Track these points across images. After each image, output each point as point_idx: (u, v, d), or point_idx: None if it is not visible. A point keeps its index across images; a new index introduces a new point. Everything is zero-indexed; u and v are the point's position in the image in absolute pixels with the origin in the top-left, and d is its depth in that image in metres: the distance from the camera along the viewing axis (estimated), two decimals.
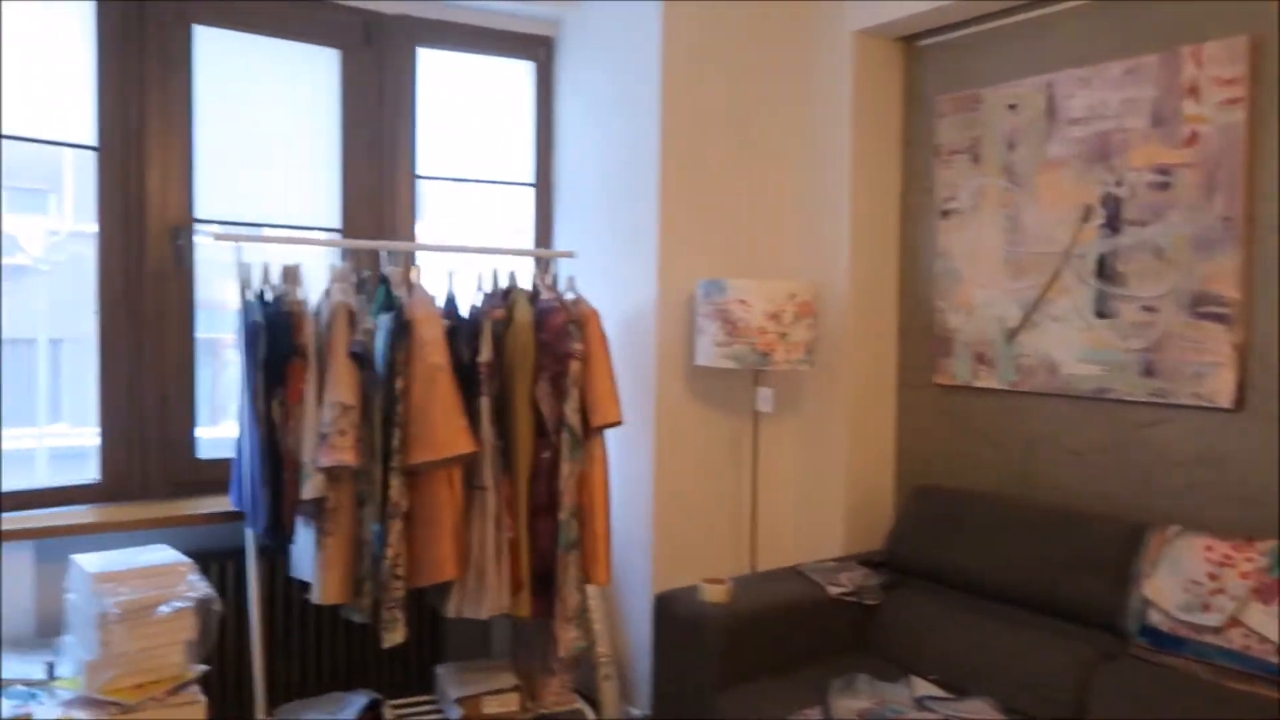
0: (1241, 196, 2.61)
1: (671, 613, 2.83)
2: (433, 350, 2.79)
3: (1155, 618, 2.45)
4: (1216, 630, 2.33)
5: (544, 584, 2.96)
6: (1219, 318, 2.65)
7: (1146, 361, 2.81)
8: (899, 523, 3.14)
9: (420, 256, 3.42)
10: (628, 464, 3.46)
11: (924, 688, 2.65)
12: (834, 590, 2.93)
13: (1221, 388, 2.65)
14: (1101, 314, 2.92)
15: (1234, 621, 2.30)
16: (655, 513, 3.35)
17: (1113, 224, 2.90)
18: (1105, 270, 2.91)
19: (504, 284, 3.11)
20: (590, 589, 3.12)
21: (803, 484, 3.61)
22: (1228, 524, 2.64)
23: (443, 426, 2.74)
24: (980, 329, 3.25)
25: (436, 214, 3.72)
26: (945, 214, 3.37)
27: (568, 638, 2.96)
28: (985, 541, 2.87)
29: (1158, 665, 2.42)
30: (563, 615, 2.95)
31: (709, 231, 3.45)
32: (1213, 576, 2.38)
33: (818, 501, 3.54)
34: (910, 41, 3.51)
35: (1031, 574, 2.73)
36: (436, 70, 3.67)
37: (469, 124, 3.77)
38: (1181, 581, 2.43)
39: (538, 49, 3.84)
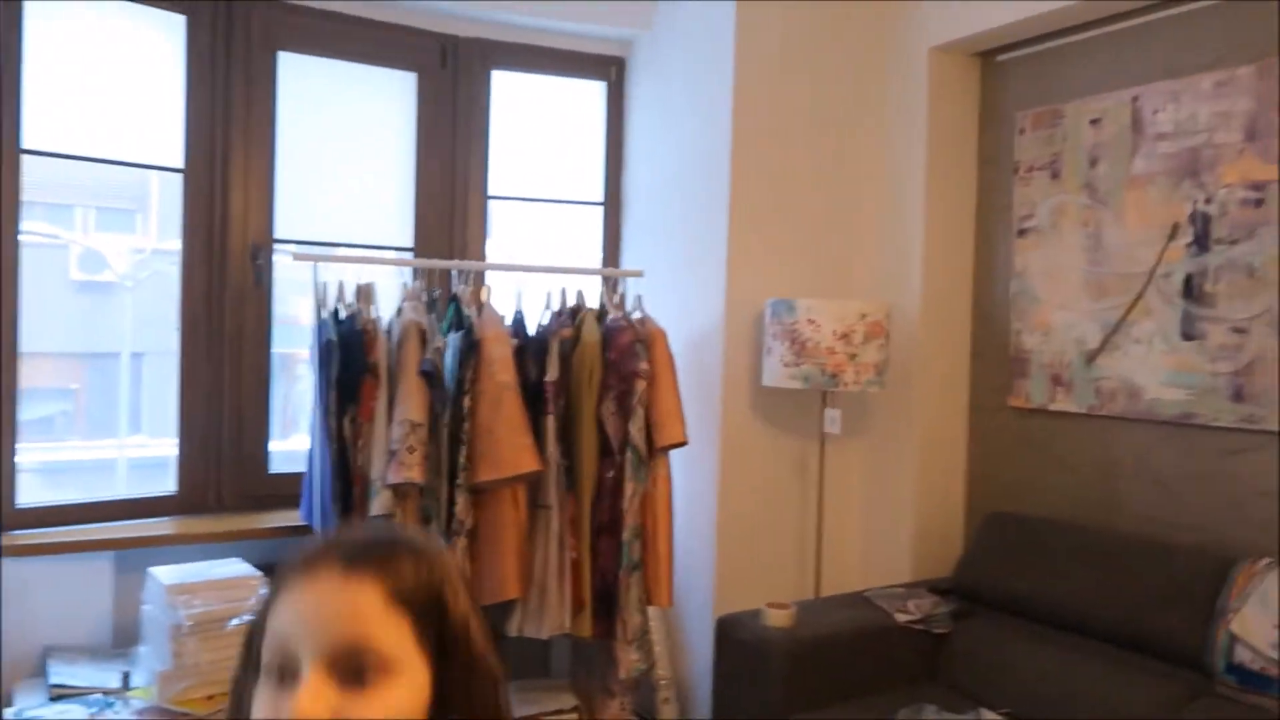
0: None
1: (734, 637, 2.80)
2: (500, 368, 2.81)
3: (1243, 655, 2.32)
4: None
5: (605, 605, 2.95)
6: None
7: (1235, 385, 2.68)
8: (970, 549, 3.05)
9: (490, 276, 3.47)
10: (691, 484, 3.44)
11: None
12: (902, 617, 2.86)
13: None
14: (1188, 336, 2.80)
15: None
16: (718, 534, 3.32)
17: (1201, 242, 2.78)
18: (1192, 290, 2.80)
19: (572, 303, 3.12)
20: (652, 610, 3.10)
21: (870, 508, 3.54)
22: None
23: (508, 445, 2.76)
24: (1057, 351, 3.15)
25: (507, 233, 3.77)
26: (1022, 233, 3.28)
27: (629, 659, 2.95)
28: (1061, 571, 2.76)
29: (1245, 705, 2.30)
30: (624, 637, 2.94)
31: (778, 250, 3.41)
32: None
33: (885, 526, 3.47)
34: (989, 56, 3.43)
35: (1110, 606, 2.62)
36: (510, 91, 3.73)
37: (540, 144, 3.82)
38: (1272, 617, 2.30)
39: (609, 69, 3.87)
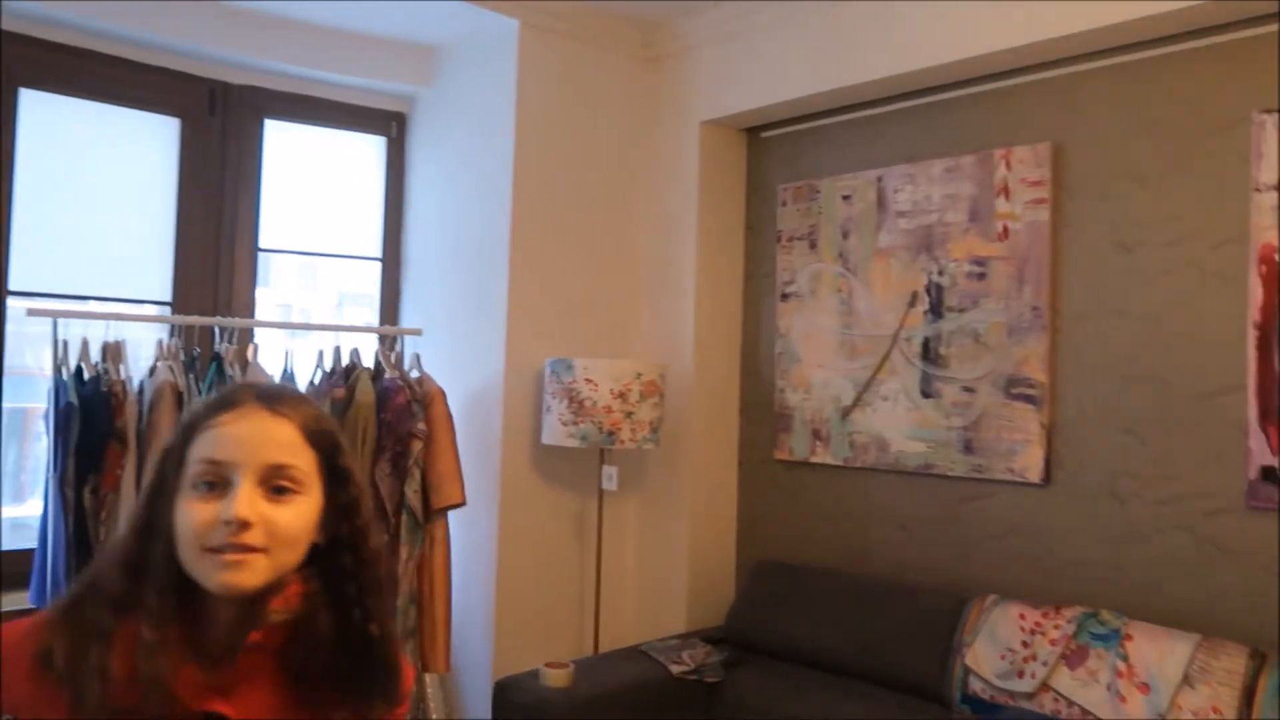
0: (1047, 288, 2.83)
1: (512, 700, 2.77)
2: None
3: (975, 685, 2.55)
4: (1030, 696, 2.45)
5: None
6: (1029, 399, 2.84)
7: (966, 439, 2.98)
8: (739, 598, 3.18)
9: (259, 333, 3.32)
10: (470, 544, 3.40)
11: None
12: (676, 669, 2.94)
13: (1031, 464, 2.82)
14: (926, 394, 3.09)
15: (1045, 687, 2.43)
16: (497, 594, 3.29)
17: (936, 310, 3.08)
18: (929, 353, 3.09)
19: (346, 361, 3.04)
20: (428, 677, 3.03)
21: (646, 562, 3.63)
22: (1039, 592, 2.79)
23: None
24: (817, 407, 3.38)
25: (280, 288, 3.62)
26: (785, 297, 3.51)
27: None
28: (822, 615, 2.94)
29: None
30: None
31: (558, 310, 3.48)
32: (1025, 644, 2.51)
33: (661, 579, 3.56)
34: (754, 132, 3.68)
35: (865, 646, 2.81)
36: (285, 141, 3.61)
37: (318, 196, 3.71)
38: (998, 649, 2.54)
39: (389, 123, 3.84)
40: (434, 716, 3.14)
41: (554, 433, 3.20)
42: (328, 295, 3.76)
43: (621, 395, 3.17)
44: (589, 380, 3.16)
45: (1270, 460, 2.41)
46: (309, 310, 3.71)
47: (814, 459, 3.37)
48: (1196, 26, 2.55)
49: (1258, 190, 2.46)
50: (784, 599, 3.05)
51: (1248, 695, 2.19)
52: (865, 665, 2.80)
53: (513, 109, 3.37)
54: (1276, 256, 2.42)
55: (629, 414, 3.18)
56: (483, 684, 3.30)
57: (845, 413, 3.30)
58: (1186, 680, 2.24)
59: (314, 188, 3.71)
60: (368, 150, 3.84)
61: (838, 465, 3.31)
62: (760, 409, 3.58)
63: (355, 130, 3.78)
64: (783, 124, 3.57)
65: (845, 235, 3.34)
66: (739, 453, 3.65)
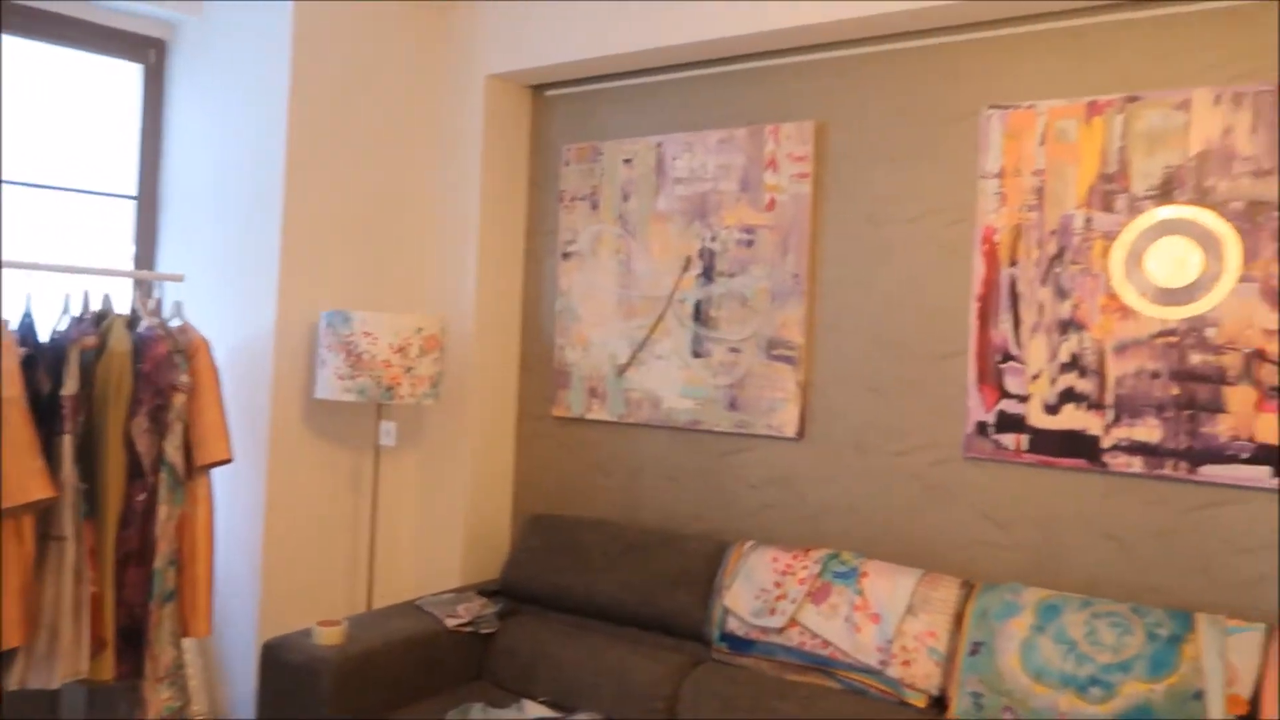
0: (807, 257, 3.05)
1: (281, 660, 2.72)
2: (5, 381, 2.46)
3: (732, 624, 2.76)
4: (779, 630, 2.68)
5: (132, 641, 2.71)
6: (788, 359, 3.07)
7: (732, 397, 3.18)
8: (514, 551, 3.26)
9: None
10: (236, 503, 3.27)
11: (535, 709, 2.77)
12: (451, 622, 2.98)
13: (788, 420, 3.06)
14: (697, 354, 3.26)
15: (793, 622, 2.66)
16: (265, 554, 3.19)
17: (708, 274, 3.25)
18: (701, 315, 3.26)
19: (97, 307, 2.82)
20: (187, 643, 2.90)
21: (424, 518, 3.63)
22: (792, 537, 3.05)
23: (12, 469, 2.43)
24: (594, 365, 3.48)
25: (19, 225, 3.28)
26: (566, 256, 3.58)
27: (159, 699, 2.73)
28: (595, 565, 3.06)
29: (734, 666, 2.73)
30: (154, 674, 2.71)
31: (335, 260, 3.37)
32: (777, 584, 2.74)
33: (438, 534, 3.58)
34: (539, 90, 3.70)
35: (635, 593, 2.96)
36: (25, 61, 3.26)
37: (65, 126, 3.38)
38: (753, 590, 2.76)
39: (148, 51, 3.55)
40: (193, 683, 3.02)
41: (329, 387, 3.12)
42: (75, 234, 3.45)
43: (401, 350, 3.14)
44: (367, 334, 3.10)
45: (984, 416, 2.74)
46: (54, 250, 3.39)
47: (590, 415, 3.48)
48: (943, 24, 2.82)
49: (983, 177, 2.76)
50: (558, 550, 3.16)
51: (957, 620, 2.51)
52: (634, 610, 2.96)
53: (289, 44, 3.21)
54: (995, 237, 2.74)
55: (409, 369, 3.15)
56: (248, 647, 3.21)
57: (621, 371, 3.42)
58: (910, 610, 2.53)
59: (61, 116, 3.37)
60: (125, 78, 3.53)
61: (612, 421, 3.44)
62: (540, 366, 3.65)
63: (108, 55, 3.46)
64: (569, 84, 3.61)
65: (626, 198, 3.44)
66: (518, 409, 3.70)
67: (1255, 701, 2.09)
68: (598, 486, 3.48)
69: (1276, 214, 2.38)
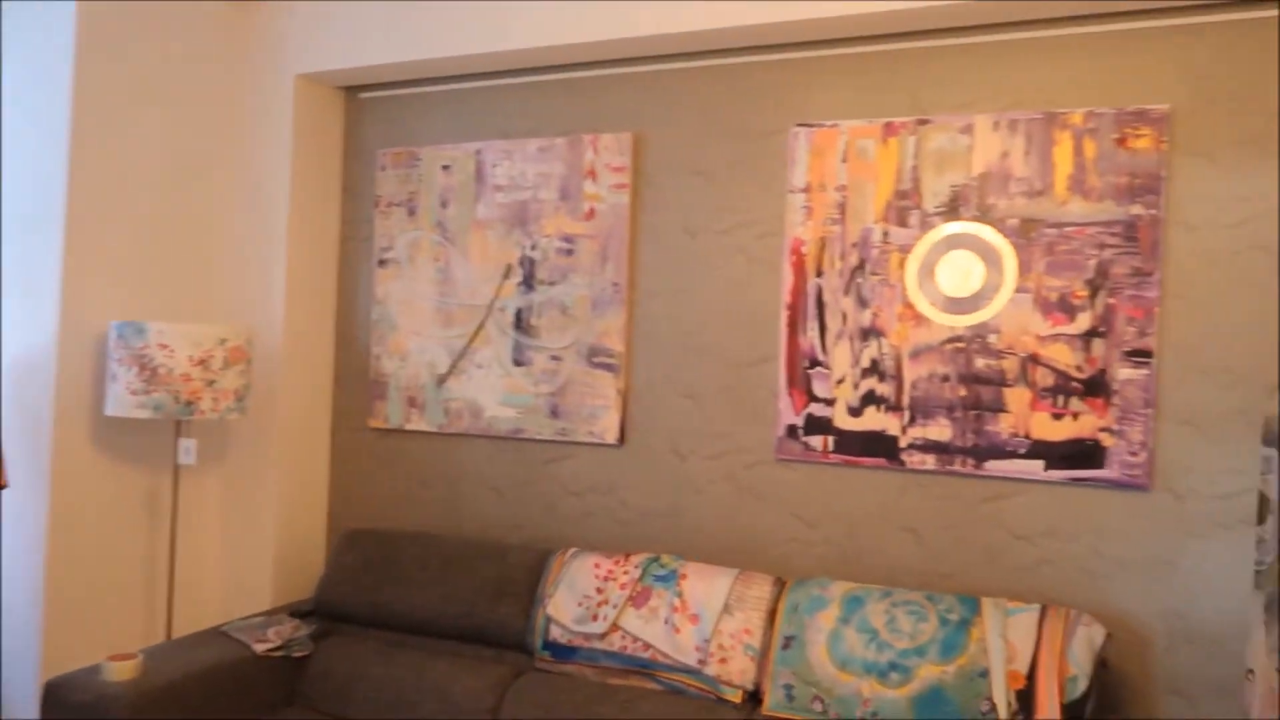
0: (626, 266, 3.10)
1: (66, 701, 2.50)
2: None
3: (555, 632, 2.77)
4: (602, 636, 2.70)
5: None
6: (608, 367, 3.11)
7: (553, 404, 3.18)
8: (329, 569, 3.14)
9: None
10: (14, 533, 2.99)
11: None
12: (260, 647, 2.83)
13: (610, 426, 3.10)
14: (518, 362, 3.24)
15: (615, 627, 2.69)
16: (48, 586, 2.94)
17: (528, 282, 3.24)
18: (521, 323, 3.24)
19: None
20: None
21: (230, 538, 3.43)
22: (614, 543, 3.08)
23: None
24: (413, 375, 3.40)
25: None
26: (382, 263, 3.48)
27: None
28: (414, 580, 2.99)
29: (556, 674, 2.73)
30: None
31: (127, 269, 3.15)
32: (599, 590, 2.76)
33: (246, 555, 3.40)
34: (353, 92, 3.59)
35: (456, 606, 2.91)
36: None
37: None
38: (576, 597, 2.77)
39: None
40: None
41: (121, 403, 2.91)
42: None
43: (202, 362, 2.96)
44: (164, 345, 2.91)
45: (794, 419, 2.86)
46: None
47: (409, 426, 3.40)
48: (752, 44, 2.93)
49: (791, 191, 2.89)
50: (376, 566, 3.06)
51: (771, 616, 2.61)
52: (456, 624, 2.91)
53: (72, 44, 2.97)
54: (803, 248, 2.87)
55: (211, 382, 2.98)
56: (29, 686, 2.93)
57: (441, 380, 3.36)
58: (727, 608, 2.61)
59: None
60: None
61: (432, 432, 3.38)
62: (355, 376, 3.53)
63: None
64: (384, 86, 3.52)
65: (444, 205, 3.39)
66: (332, 421, 3.57)
67: (1032, 675, 2.28)
68: (417, 499, 3.40)
69: (1046, 230, 2.62)
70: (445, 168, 3.40)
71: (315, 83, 3.48)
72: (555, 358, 3.19)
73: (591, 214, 3.16)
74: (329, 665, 2.89)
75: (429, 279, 3.40)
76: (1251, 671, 1.93)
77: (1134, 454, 2.51)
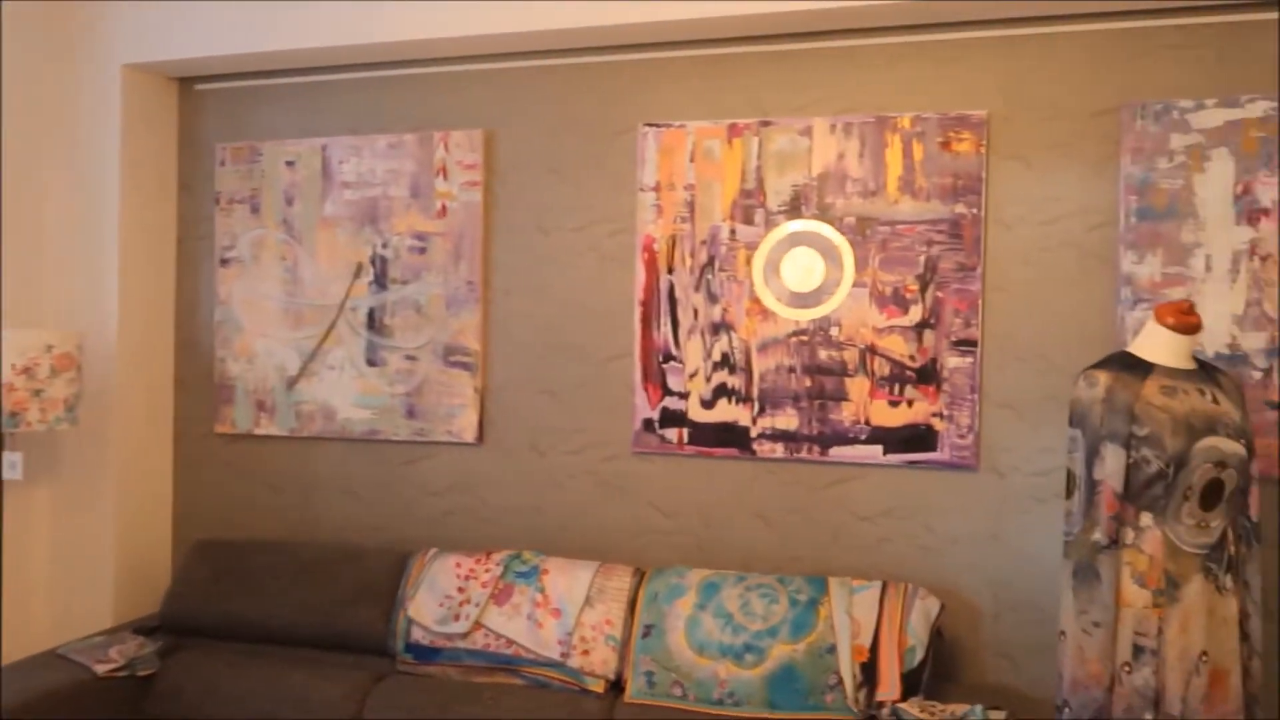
0: (480, 264, 3.09)
1: None
2: None
3: (417, 634, 2.75)
4: (464, 635, 2.71)
5: None
6: (465, 365, 3.10)
7: (409, 405, 3.15)
8: (176, 582, 3.01)
9: None
10: None
11: None
12: (101, 668, 2.69)
13: (468, 425, 3.09)
14: (372, 362, 3.19)
15: (478, 625, 2.70)
16: None
17: (380, 281, 3.19)
18: (374, 323, 3.19)
19: None
20: None
21: (63, 556, 3.24)
22: (476, 542, 3.09)
23: None
24: (261, 377, 3.30)
25: None
26: (225, 262, 3.36)
27: None
28: (268, 589, 2.91)
29: (419, 676, 2.72)
30: None
31: None
32: (461, 590, 2.76)
33: (82, 572, 3.22)
34: (188, 83, 3.43)
35: (314, 614, 2.85)
36: None
37: None
38: (437, 597, 2.77)
39: None
40: None
41: None
42: None
43: (27, 370, 2.79)
44: None
45: (650, 413, 2.94)
46: None
47: (259, 431, 3.30)
48: (599, 44, 2.97)
49: (642, 190, 2.96)
50: (227, 577, 2.96)
51: (631, 606, 2.68)
52: (314, 632, 2.85)
53: None
54: (654, 246, 2.94)
55: (37, 391, 2.81)
56: None
57: (291, 383, 3.27)
58: (588, 601, 2.67)
59: None
60: None
61: (284, 436, 3.28)
62: (199, 381, 3.39)
63: None
64: (222, 78, 3.38)
65: (290, 202, 3.29)
66: (175, 428, 3.42)
67: (874, 648, 2.43)
68: (269, 505, 3.30)
69: (880, 228, 2.77)
70: (289, 163, 3.30)
71: (144, 73, 3.31)
72: (410, 357, 3.16)
73: (444, 212, 3.14)
74: (178, 682, 2.78)
75: (275, 278, 3.30)
76: (1063, 633, 2.12)
77: (962, 437, 2.71)
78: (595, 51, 3.01)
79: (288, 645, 2.90)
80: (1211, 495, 2.06)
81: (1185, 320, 2.15)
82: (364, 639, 2.82)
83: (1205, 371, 2.20)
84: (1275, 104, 2.52)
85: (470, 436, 3.09)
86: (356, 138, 3.22)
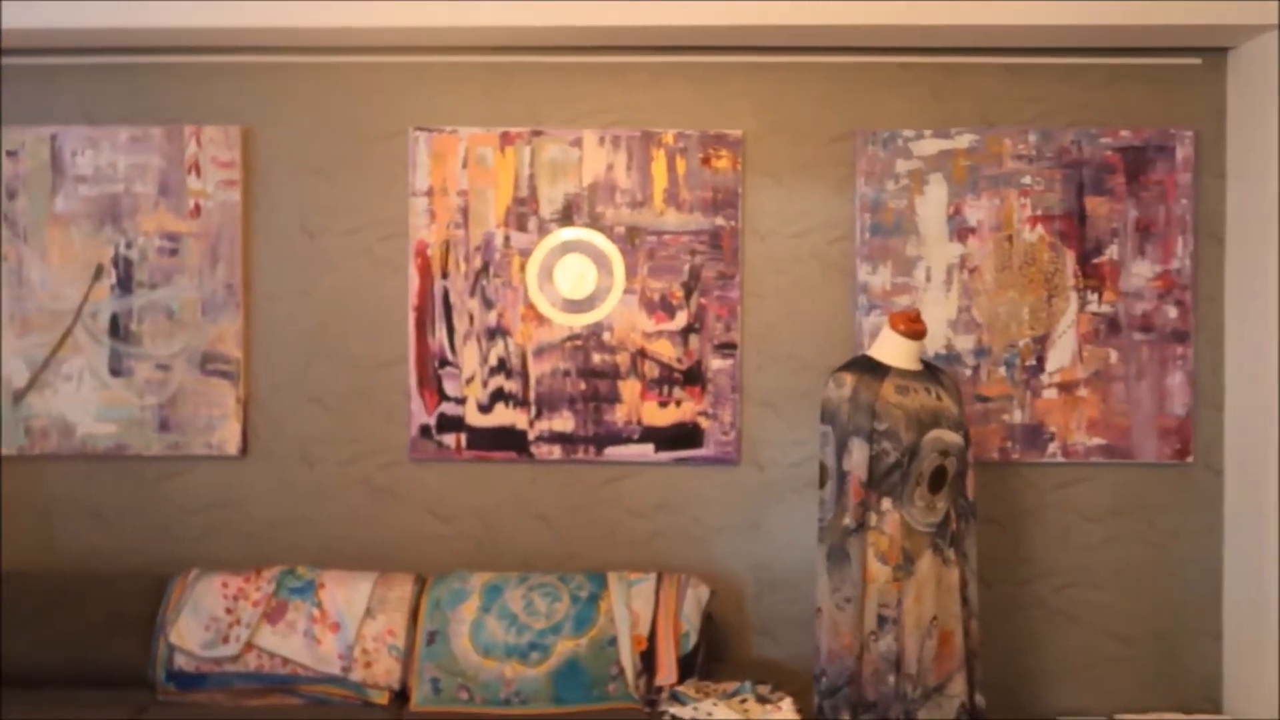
0: (241, 267, 2.95)
1: None
2: None
3: (180, 661, 2.60)
4: (235, 658, 2.59)
5: None
6: (225, 374, 2.95)
7: (162, 417, 2.95)
8: None
9: None
10: None
11: None
12: None
13: (230, 437, 2.94)
14: (116, 372, 2.96)
15: (249, 646, 2.59)
16: None
17: (125, 284, 2.96)
18: (119, 329, 2.96)
19: None
20: None
21: None
22: (243, 559, 2.94)
23: None
24: None
25: None
26: None
27: None
28: (4, 624, 2.63)
29: (185, 705, 2.57)
30: None
31: None
32: (229, 610, 2.64)
33: None
34: None
35: (59, 650, 2.62)
36: None
37: None
38: (203, 620, 2.63)
39: None
40: None
41: None
42: None
43: None
44: None
45: (426, 419, 2.93)
46: None
47: None
48: (367, 45, 2.92)
49: (414, 194, 2.94)
50: None
51: (414, 614, 2.67)
52: (61, 670, 2.62)
53: None
54: (428, 251, 2.94)
55: None
56: None
57: (19, 396, 2.96)
58: (369, 612, 2.63)
59: None
60: None
61: (12, 455, 2.97)
62: None
63: None
64: None
65: (12, 196, 2.98)
66: None
67: (652, 637, 2.58)
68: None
69: (648, 238, 2.93)
70: (11, 154, 2.98)
71: None
72: (162, 366, 2.96)
73: (198, 211, 2.96)
74: None
75: None
76: (819, 609, 2.37)
77: (726, 433, 2.92)
78: (361, 52, 2.95)
79: (29, 687, 2.63)
80: (937, 480, 2.37)
81: (914, 328, 2.45)
82: (120, 672, 2.62)
83: (930, 372, 2.53)
84: (979, 137, 2.92)
85: (233, 449, 2.94)
86: (93, 128, 2.96)
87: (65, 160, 2.97)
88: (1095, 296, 2.93)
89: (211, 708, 2.56)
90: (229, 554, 2.95)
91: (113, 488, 2.97)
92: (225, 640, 2.60)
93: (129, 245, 2.97)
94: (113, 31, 2.79)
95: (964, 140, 2.92)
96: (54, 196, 2.97)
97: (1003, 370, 2.92)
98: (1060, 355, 2.92)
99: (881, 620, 2.31)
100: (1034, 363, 2.92)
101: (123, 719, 2.51)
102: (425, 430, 2.94)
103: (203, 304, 2.96)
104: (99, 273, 2.97)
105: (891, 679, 2.28)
